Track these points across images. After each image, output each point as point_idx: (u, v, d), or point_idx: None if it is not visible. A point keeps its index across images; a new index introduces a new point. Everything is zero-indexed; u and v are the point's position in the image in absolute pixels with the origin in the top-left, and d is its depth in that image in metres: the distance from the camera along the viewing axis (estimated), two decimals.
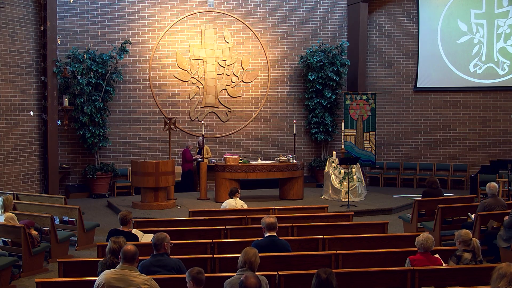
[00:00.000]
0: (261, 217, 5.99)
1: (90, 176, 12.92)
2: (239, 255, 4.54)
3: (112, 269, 4.50)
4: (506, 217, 7.12)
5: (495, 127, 14.38)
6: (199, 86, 14.14)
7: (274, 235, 5.79)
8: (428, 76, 14.95)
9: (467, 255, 5.41)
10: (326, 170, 12.23)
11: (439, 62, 14.75)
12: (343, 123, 13.10)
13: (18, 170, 12.13)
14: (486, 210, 7.86)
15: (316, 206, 9.46)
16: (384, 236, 6.84)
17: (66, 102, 12.28)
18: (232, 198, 8.72)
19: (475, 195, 11.02)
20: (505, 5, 14.01)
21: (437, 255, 5.49)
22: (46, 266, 7.48)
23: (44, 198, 9.63)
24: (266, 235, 5.79)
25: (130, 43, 13.14)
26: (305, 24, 14.99)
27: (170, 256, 5.15)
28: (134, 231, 6.51)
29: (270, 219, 5.81)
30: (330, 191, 12.01)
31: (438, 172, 14.81)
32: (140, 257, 4.66)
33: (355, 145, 14.16)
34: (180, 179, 12.74)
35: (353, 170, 11.61)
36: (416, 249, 5.49)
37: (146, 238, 6.39)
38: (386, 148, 15.43)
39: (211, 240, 6.35)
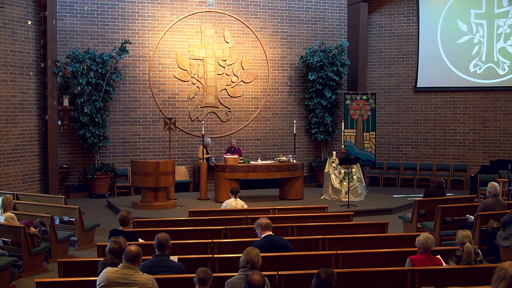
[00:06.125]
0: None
1: (90, 176, 12.91)
2: (239, 255, 4.54)
3: (114, 267, 4.50)
4: None
5: (495, 127, 14.37)
6: (199, 86, 14.14)
7: (272, 234, 5.81)
8: (428, 76, 14.95)
9: None
10: (326, 170, 12.23)
11: (439, 62, 14.75)
12: (343, 123, 13.11)
13: (18, 170, 12.13)
14: (486, 210, 7.86)
15: (316, 206, 9.47)
16: (384, 236, 6.84)
17: (66, 102, 12.29)
18: (232, 198, 8.72)
19: (475, 195, 11.02)
20: (505, 5, 14.01)
21: (438, 256, 5.48)
22: (46, 266, 7.48)
23: (44, 198, 9.63)
24: (263, 235, 5.79)
25: (130, 43, 13.14)
26: (305, 24, 14.99)
27: (171, 256, 5.15)
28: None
29: (264, 219, 5.84)
30: (330, 191, 12.01)
31: (438, 172, 14.80)
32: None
33: (355, 145, 14.15)
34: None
35: (353, 170, 11.61)
36: (416, 249, 5.49)
37: None
38: (386, 148, 15.43)
39: (211, 240, 6.35)
